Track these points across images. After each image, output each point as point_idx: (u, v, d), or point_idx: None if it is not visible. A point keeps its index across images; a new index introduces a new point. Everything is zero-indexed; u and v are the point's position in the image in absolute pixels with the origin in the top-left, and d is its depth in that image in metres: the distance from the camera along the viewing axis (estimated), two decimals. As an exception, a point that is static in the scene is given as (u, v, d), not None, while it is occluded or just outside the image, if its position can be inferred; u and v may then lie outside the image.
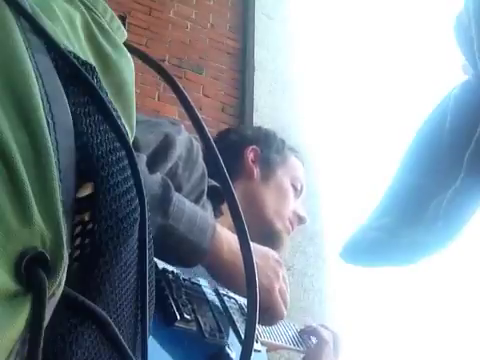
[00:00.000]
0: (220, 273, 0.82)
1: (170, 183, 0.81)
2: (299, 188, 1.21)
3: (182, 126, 0.99)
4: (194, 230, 0.78)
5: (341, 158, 2.63)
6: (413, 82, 2.84)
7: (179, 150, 0.93)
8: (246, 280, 0.49)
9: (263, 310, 0.83)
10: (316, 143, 2.40)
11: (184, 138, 0.96)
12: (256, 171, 1.18)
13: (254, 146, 1.20)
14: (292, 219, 1.18)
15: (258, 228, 1.08)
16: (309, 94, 2.69)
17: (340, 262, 0.56)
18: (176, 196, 0.80)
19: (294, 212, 1.18)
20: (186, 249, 0.77)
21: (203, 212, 0.84)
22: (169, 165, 0.90)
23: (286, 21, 2.99)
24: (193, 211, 0.81)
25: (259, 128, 1.35)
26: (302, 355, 1.11)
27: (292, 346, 1.06)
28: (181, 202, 0.80)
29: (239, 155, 1.17)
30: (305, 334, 1.12)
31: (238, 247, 0.82)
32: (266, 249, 0.88)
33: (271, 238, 1.13)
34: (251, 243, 0.81)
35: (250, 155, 1.19)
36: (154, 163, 0.86)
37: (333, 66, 3.03)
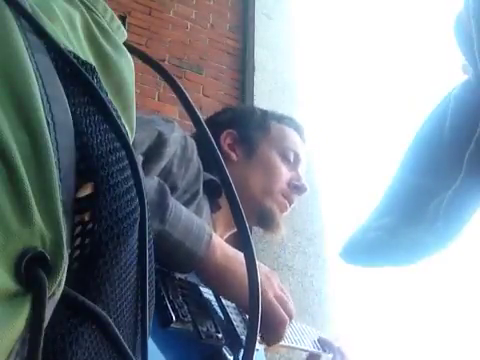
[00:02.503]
0: (212, 279, 0.81)
1: (167, 188, 0.80)
2: (291, 158, 1.14)
3: (175, 123, 0.97)
4: (190, 237, 0.77)
5: (341, 158, 2.64)
6: (413, 82, 2.84)
7: (173, 148, 0.91)
8: (248, 276, 0.48)
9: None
10: (316, 143, 2.39)
11: (178, 135, 0.94)
12: (234, 154, 1.13)
13: (229, 130, 1.15)
14: (287, 192, 1.12)
15: (249, 211, 1.05)
16: (309, 94, 2.69)
17: (340, 262, 0.56)
18: (173, 202, 0.79)
19: (289, 183, 1.12)
20: (182, 255, 0.77)
21: (200, 219, 0.82)
22: (163, 164, 0.88)
23: (286, 21, 2.99)
24: (189, 218, 0.79)
25: (235, 108, 1.27)
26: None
27: (316, 349, 1.05)
28: (178, 209, 0.79)
29: (217, 144, 1.10)
30: (322, 342, 1.09)
31: (232, 255, 0.81)
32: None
33: (263, 218, 1.10)
34: (240, 253, 0.80)
35: (226, 140, 1.14)
36: (148, 162, 0.85)
37: (333, 66, 3.03)
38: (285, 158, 1.14)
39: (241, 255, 0.82)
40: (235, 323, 0.85)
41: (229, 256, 0.81)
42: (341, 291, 2.06)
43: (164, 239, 0.74)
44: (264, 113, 1.21)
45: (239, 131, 1.16)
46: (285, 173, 1.13)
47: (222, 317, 0.85)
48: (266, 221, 1.11)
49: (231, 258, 0.81)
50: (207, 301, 0.85)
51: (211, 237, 0.80)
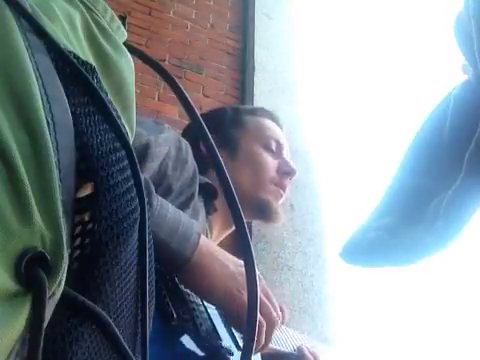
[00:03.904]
0: (195, 280, 0.77)
1: (151, 185, 0.78)
2: (274, 147, 1.17)
3: (166, 125, 0.97)
4: (176, 237, 0.75)
5: (341, 158, 2.63)
6: (413, 82, 2.84)
7: (164, 148, 0.90)
8: (247, 279, 0.48)
9: (232, 316, 0.79)
10: (316, 143, 2.39)
11: (170, 136, 0.94)
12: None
13: None
14: (278, 179, 1.14)
15: (246, 206, 1.03)
16: (309, 94, 2.69)
17: (340, 262, 0.56)
18: (158, 201, 0.77)
19: (278, 170, 1.15)
20: (167, 256, 0.74)
21: (188, 219, 0.80)
22: (154, 165, 0.88)
23: (286, 21, 2.99)
24: (176, 218, 0.77)
25: (205, 115, 1.24)
26: None
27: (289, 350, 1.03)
28: (163, 208, 0.77)
29: (198, 152, 1.05)
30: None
31: (219, 258, 0.79)
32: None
33: (261, 210, 1.12)
34: (228, 255, 0.79)
35: (204, 147, 1.11)
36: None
37: (333, 66, 3.03)
38: (268, 148, 1.16)
39: (230, 257, 0.81)
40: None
41: (214, 256, 0.78)
42: (341, 291, 2.06)
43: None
44: (235, 110, 1.24)
45: (217, 135, 1.14)
46: (271, 162, 1.15)
47: (220, 317, 0.85)
48: (265, 212, 1.13)
49: (217, 259, 0.78)
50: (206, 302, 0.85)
51: (199, 237, 0.78)
